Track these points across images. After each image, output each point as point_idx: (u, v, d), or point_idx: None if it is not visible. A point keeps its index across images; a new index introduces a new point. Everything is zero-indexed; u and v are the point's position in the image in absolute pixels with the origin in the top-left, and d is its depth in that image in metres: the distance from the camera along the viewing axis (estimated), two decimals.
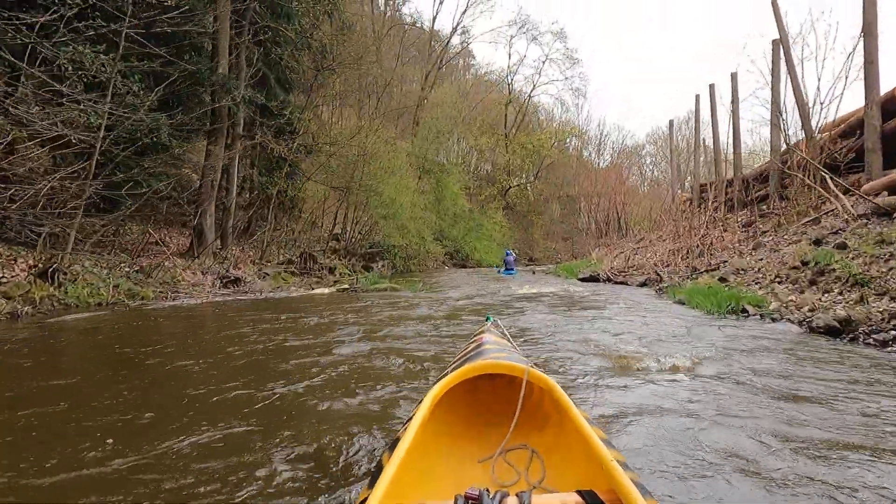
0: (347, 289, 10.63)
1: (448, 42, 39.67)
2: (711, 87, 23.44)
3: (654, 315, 7.17)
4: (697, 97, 22.95)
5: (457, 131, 35.60)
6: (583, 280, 15.89)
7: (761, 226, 13.03)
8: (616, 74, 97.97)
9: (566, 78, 44.29)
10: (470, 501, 1.25)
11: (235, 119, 15.00)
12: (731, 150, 18.21)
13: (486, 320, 3.32)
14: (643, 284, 13.29)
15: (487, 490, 1.27)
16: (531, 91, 44.23)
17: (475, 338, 2.77)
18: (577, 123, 44.36)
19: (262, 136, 14.94)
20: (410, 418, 1.77)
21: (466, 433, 2.15)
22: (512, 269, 22.46)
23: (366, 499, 1.25)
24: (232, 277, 10.89)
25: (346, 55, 20.40)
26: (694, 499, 1.93)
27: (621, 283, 14.09)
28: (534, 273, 23.34)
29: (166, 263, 10.32)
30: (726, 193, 18.56)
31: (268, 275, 13.23)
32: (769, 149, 16.90)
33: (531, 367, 1.96)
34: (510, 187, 42.45)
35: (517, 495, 1.28)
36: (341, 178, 18.93)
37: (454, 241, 32.77)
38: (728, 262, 10.07)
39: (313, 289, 11.19)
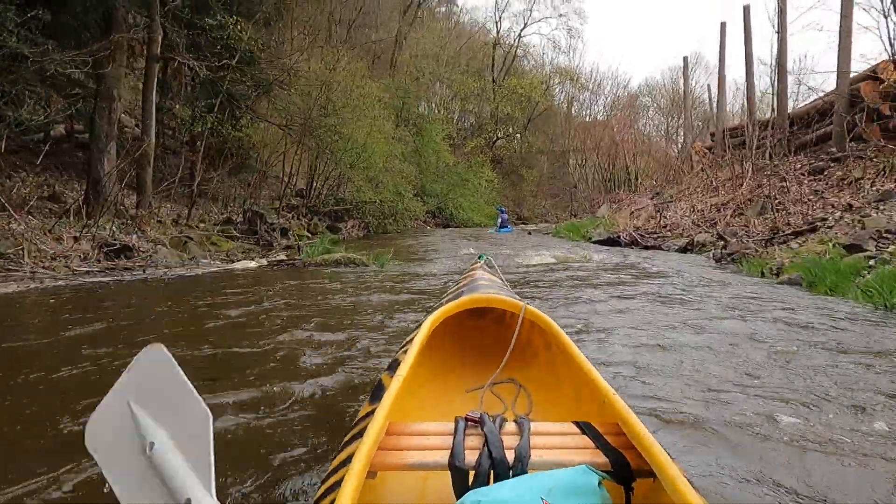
0: (284, 262, 7.44)
1: None
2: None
3: (783, 312, 4.20)
4: (723, 25, 19.63)
5: (439, 76, 31.75)
6: (599, 243, 12.89)
7: (839, 172, 10.05)
8: (614, 18, 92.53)
9: (560, 15, 40.05)
10: (470, 423, 1.29)
11: (152, 33, 11.42)
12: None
13: (479, 258, 3.29)
14: (685, 249, 10.38)
15: (487, 414, 1.31)
16: (521, 30, 40.02)
17: (468, 273, 2.85)
18: (571, 68, 40.53)
19: (178, 52, 11.33)
20: (408, 342, 1.84)
21: (456, 364, 2.22)
22: (507, 227, 21.74)
23: (370, 412, 1.33)
24: (118, 245, 7.62)
25: None
26: None
27: (652, 247, 11.12)
28: (530, 234, 20.32)
29: (12, 225, 7.02)
30: (762, 138, 15.59)
31: (189, 240, 9.96)
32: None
33: (528, 304, 1.98)
34: (498, 138, 38.83)
35: (516, 421, 1.33)
36: (298, 118, 15.42)
37: (437, 197, 29.46)
38: (835, 220, 7.08)
39: (235, 261, 7.94)
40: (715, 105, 33.96)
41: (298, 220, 16.56)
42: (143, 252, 7.83)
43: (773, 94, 14.85)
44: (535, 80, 37.20)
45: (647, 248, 11.23)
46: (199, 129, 12.32)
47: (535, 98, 37.54)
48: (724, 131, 19.31)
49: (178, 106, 12.97)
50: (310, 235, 15.36)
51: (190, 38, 12.90)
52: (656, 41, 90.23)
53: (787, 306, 4.44)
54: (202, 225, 12.67)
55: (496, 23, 39.59)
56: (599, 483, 1.07)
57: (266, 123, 14.58)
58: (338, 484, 1.04)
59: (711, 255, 9.07)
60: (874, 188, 7.73)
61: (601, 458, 1.22)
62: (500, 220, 22.04)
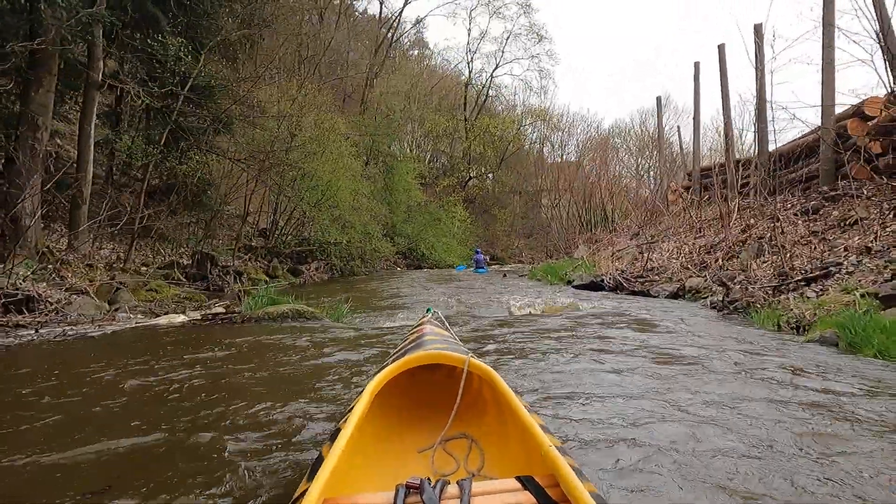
0: (220, 316, 6.26)
1: (401, 13, 35.25)
2: (696, 64, 20.26)
3: (836, 384, 3.25)
4: (697, 64, 19.56)
5: (410, 114, 31.29)
6: (581, 287, 12.00)
7: (835, 212, 9.43)
8: (589, 60, 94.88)
9: (532, 56, 40.39)
10: (411, 490, 1.27)
11: (92, 59, 10.41)
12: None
13: (427, 312, 3.29)
14: (676, 295, 9.55)
15: (428, 479, 1.30)
16: (493, 70, 40.16)
17: (416, 329, 2.84)
18: (544, 107, 40.71)
19: (122, 79, 10.30)
20: (350, 409, 1.77)
21: (406, 424, 2.18)
22: (483, 268, 22.47)
23: (305, 491, 1.25)
24: (19, 296, 6.35)
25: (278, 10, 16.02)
26: None
27: (640, 293, 10.26)
28: (504, 276, 19.41)
29: None
30: (746, 177, 15.17)
31: (121, 287, 8.70)
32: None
33: (471, 356, 1.98)
34: (471, 177, 38.39)
35: (458, 483, 1.32)
36: (258, 153, 14.40)
37: (408, 238, 28.50)
38: (852, 265, 6.29)
39: (165, 314, 6.68)
40: (689, 144, 34.20)
41: (257, 262, 15.35)
42: (53, 304, 6.58)
43: (754, 132, 14.48)
44: (508, 120, 37.13)
45: (633, 293, 10.35)
46: (138, 163, 11.14)
47: (507, 138, 37.43)
48: (700, 171, 19.00)
49: (123, 138, 11.81)
50: (268, 279, 14.16)
51: (136, 63, 11.92)
52: (625, 83, 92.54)
53: (839, 378, 3.50)
54: (144, 269, 11.39)
55: (468, 63, 39.80)
56: None
57: (221, 158, 13.46)
58: None
59: (709, 303, 8.23)
60: (889, 230, 7.01)
61: None
62: (475, 260, 23.13)
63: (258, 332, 5.66)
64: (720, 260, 10.17)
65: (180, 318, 6.21)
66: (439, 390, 2.26)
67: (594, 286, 11.69)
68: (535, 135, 40.72)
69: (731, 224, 11.79)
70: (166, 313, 6.76)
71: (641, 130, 43.09)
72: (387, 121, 25.93)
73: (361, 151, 26.01)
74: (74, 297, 6.92)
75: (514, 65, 56.45)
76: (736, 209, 12.36)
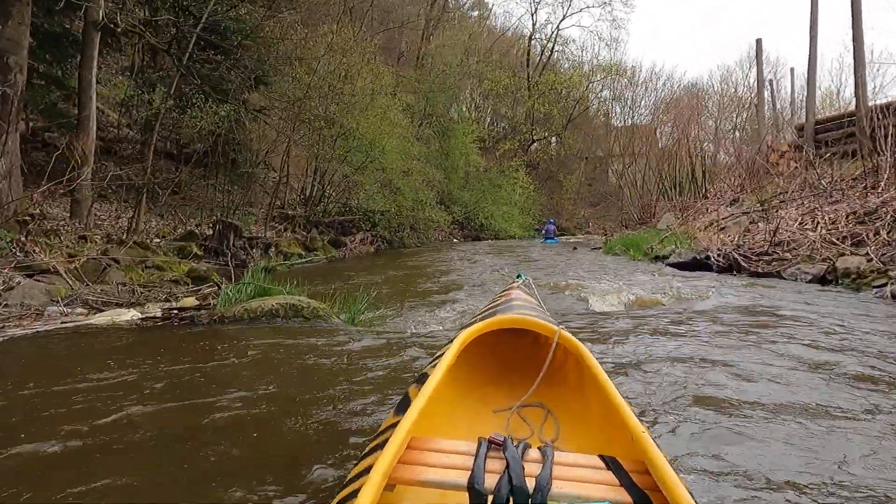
0: (179, 316, 4.37)
1: None
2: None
3: None
4: None
5: (468, 70, 28.66)
6: (678, 266, 9.61)
7: None
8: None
9: (604, 3, 36.31)
10: (493, 445, 1.28)
11: None
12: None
13: (518, 277, 3.23)
14: (824, 279, 7.10)
15: (511, 438, 1.30)
16: (560, 22, 36.54)
17: (504, 292, 2.84)
18: (616, 62, 36.85)
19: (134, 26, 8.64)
20: (437, 359, 1.85)
21: (485, 383, 2.21)
22: (553, 239, 21.78)
23: (393, 424, 1.32)
24: None
25: None
26: None
27: (767, 273, 7.82)
28: (575, 249, 17.04)
29: None
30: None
31: (113, 264, 7.13)
32: None
33: (563, 328, 1.97)
34: (534, 140, 35.47)
35: (540, 449, 1.32)
36: (292, 105, 12.58)
37: (465, 206, 26.35)
38: None
39: (108, 310, 4.85)
40: (786, 99, 30.02)
41: (294, 232, 13.71)
42: (18, 285, 4.99)
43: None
44: (576, 76, 33.82)
45: (756, 274, 7.91)
46: (144, 116, 9.54)
47: (574, 96, 34.27)
48: (815, 124, 15.79)
49: (120, 85, 10.28)
50: (304, 252, 12.48)
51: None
52: (705, 30, 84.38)
53: None
54: (157, 241, 9.89)
55: (532, 14, 36.38)
56: None
57: (246, 111, 11.71)
58: (354, 494, 1.03)
59: (888, 293, 5.78)
60: None
61: (625, 497, 1.19)
62: (545, 231, 22.41)
63: (226, 340, 3.80)
64: (882, 231, 7.54)
65: (127, 316, 4.43)
66: (521, 356, 2.29)
67: (698, 265, 9.28)
68: (605, 92, 37.09)
69: (886, 185, 9.02)
70: (121, 305, 5.00)
71: (722, 89, 38.84)
72: (442, 76, 23.57)
73: (415, 113, 23.93)
74: (21, 280, 5.29)
75: (583, 14, 51.68)
76: (890, 167, 9.53)
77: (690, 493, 1.09)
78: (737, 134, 31.58)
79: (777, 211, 11.13)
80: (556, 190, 38.40)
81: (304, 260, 11.57)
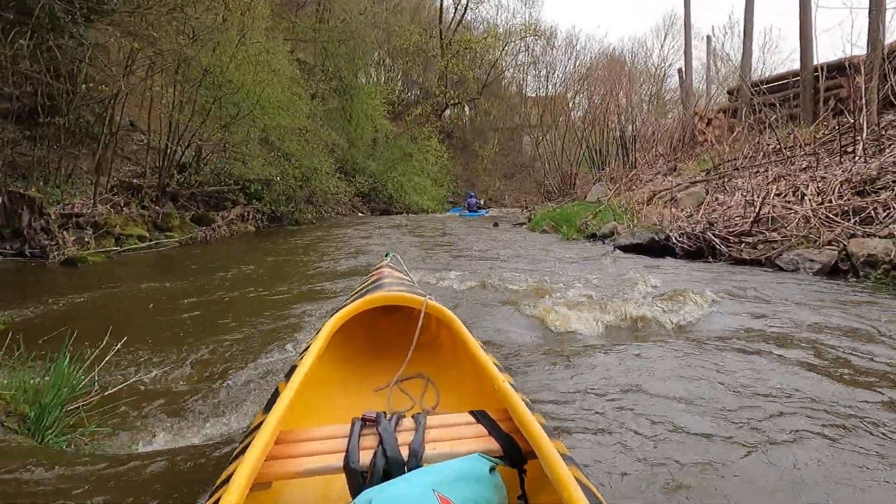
0: None
1: None
2: None
3: None
4: None
5: (375, 22, 25.51)
6: (631, 250, 7.72)
7: None
8: None
9: None
10: (367, 423, 1.31)
11: None
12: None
13: (386, 256, 3.22)
14: (834, 270, 5.35)
15: (384, 413, 1.34)
16: None
17: (374, 272, 2.81)
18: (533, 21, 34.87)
19: None
20: (307, 347, 1.80)
21: (363, 364, 2.22)
22: (476, 212, 21.12)
23: (261, 423, 1.27)
24: None
25: None
26: None
27: (754, 261, 6.03)
28: (496, 225, 15.01)
29: None
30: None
31: None
32: None
33: (429, 298, 2.03)
34: (447, 105, 32.99)
35: (413, 417, 1.36)
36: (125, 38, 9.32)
37: (372, 177, 23.62)
38: None
39: None
40: (708, 63, 29.45)
41: (143, 208, 10.56)
42: None
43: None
44: (491, 37, 31.55)
45: (741, 261, 6.10)
46: None
47: (490, 60, 32.09)
48: (758, 84, 14.55)
49: None
50: (146, 234, 9.49)
51: None
52: (618, 9, 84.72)
53: None
54: None
55: None
56: (492, 469, 1.14)
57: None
58: (217, 501, 1.01)
59: None
60: None
61: (494, 445, 1.26)
62: (468, 203, 21.67)
63: None
64: (891, 203, 5.91)
65: None
66: (397, 332, 2.29)
67: (656, 247, 7.39)
68: (521, 55, 35.07)
69: (866, 148, 7.54)
70: None
71: (634, 59, 38.40)
72: (342, 25, 20.46)
73: (312, 68, 20.70)
74: None
75: None
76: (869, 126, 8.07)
77: (546, 430, 1.17)
78: (645, 106, 30.79)
79: (731, 181, 9.54)
80: (472, 161, 36.46)
81: (135, 246, 8.61)
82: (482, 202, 24.07)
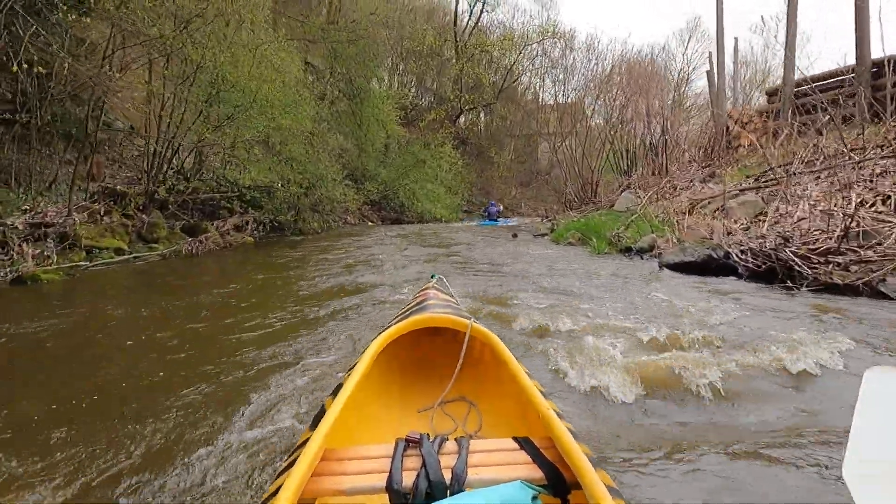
0: None
1: None
2: None
3: None
4: None
5: (387, 21, 24.61)
6: (682, 269, 6.54)
7: None
8: None
9: None
10: (410, 444, 1.33)
11: None
12: None
13: (432, 277, 3.22)
14: None
15: (427, 434, 1.37)
16: None
17: (419, 293, 2.81)
18: (551, 23, 33.62)
19: None
20: (353, 367, 1.80)
21: (407, 384, 2.22)
22: (496, 220, 20.66)
23: (307, 440, 1.31)
24: None
25: None
26: None
27: (850, 287, 4.81)
28: (515, 236, 13.86)
29: None
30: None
31: None
32: None
33: (474, 321, 2.02)
34: (462, 110, 31.91)
35: (456, 440, 1.37)
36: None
37: (383, 184, 22.61)
38: None
39: None
40: (735, 67, 28.22)
41: (126, 217, 9.57)
42: None
43: None
44: (507, 38, 30.50)
45: (833, 288, 4.88)
46: None
47: (507, 63, 31.04)
48: (802, 82, 13.30)
49: None
50: (124, 247, 8.50)
51: None
52: (636, 13, 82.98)
53: None
54: None
55: None
56: (535, 498, 1.13)
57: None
58: None
59: None
60: None
61: (538, 473, 1.25)
62: (488, 212, 21.29)
63: None
64: None
65: None
66: (440, 353, 2.29)
67: (713, 267, 6.21)
68: (538, 60, 33.94)
69: None
70: None
71: (660, 62, 37.03)
72: (352, 25, 19.51)
73: (320, 70, 19.80)
74: None
75: None
76: None
77: (591, 461, 1.17)
78: (667, 112, 29.39)
79: (789, 188, 8.31)
80: (487, 168, 35.39)
81: (107, 261, 7.59)
82: (500, 209, 23.38)
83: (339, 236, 13.78)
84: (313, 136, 13.74)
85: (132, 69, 9.42)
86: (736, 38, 28.96)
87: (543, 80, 38.50)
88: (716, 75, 21.33)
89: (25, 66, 6.85)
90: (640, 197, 13.20)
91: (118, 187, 10.00)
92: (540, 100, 39.77)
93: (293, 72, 12.33)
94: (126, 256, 7.98)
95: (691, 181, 12.15)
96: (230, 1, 9.54)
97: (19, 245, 6.82)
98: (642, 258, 8.27)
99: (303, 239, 12.71)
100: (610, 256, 8.89)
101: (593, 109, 28.18)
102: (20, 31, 7.30)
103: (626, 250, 9.29)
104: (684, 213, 9.67)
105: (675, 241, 7.87)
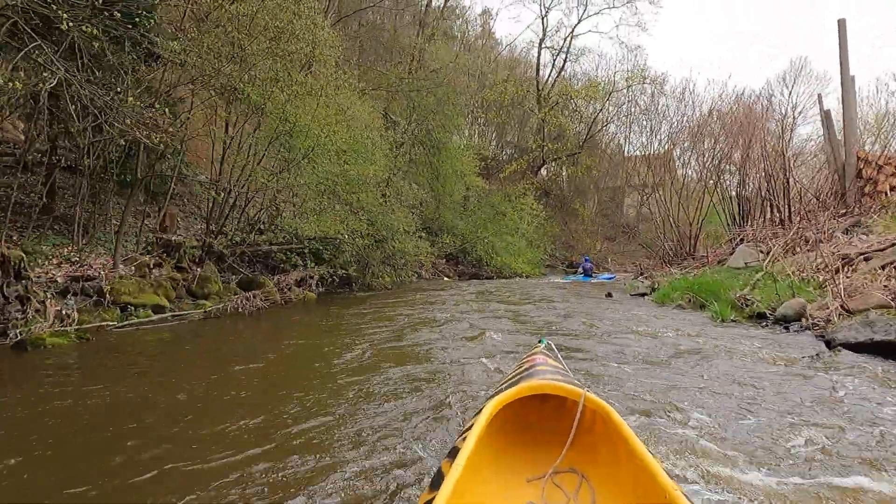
0: None
1: None
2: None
3: None
4: None
5: (468, 71, 24.13)
6: (859, 349, 4.65)
7: None
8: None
9: (627, 2, 31.46)
10: None
11: None
12: None
13: (539, 342, 3.13)
14: None
15: None
16: (575, 26, 31.80)
17: (527, 358, 2.77)
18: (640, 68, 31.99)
19: None
20: (469, 427, 1.87)
21: (515, 451, 2.18)
22: (589, 276, 19.98)
23: (430, 500, 1.38)
24: None
25: None
26: None
27: None
28: (609, 295, 12.06)
29: None
30: None
31: None
32: None
33: (587, 391, 1.97)
34: (544, 161, 30.44)
35: None
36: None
37: (461, 237, 21.47)
38: None
39: None
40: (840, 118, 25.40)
41: (179, 270, 8.82)
42: None
43: None
44: (593, 85, 29.23)
45: None
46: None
47: (592, 111, 29.67)
48: None
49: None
50: (168, 304, 7.65)
51: None
52: (732, 50, 78.69)
53: None
54: None
55: (542, 16, 31.81)
56: None
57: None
58: None
59: None
60: None
61: None
62: (584, 268, 20.54)
63: None
64: None
65: None
66: (547, 420, 2.24)
67: None
68: (626, 107, 32.32)
69: None
70: None
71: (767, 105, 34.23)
72: (431, 75, 18.98)
73: (397, 120, 19.30)
74: None
75: (601, 17, 47.24)
76: None
77: None
78: (787, 152, 26.52)
79: None
80: (570, 220, 33.66)
81: (137, 320, 6.67)
82: (592, 266, 22.16)
83: (409, 292, 12.57)
84: (387, 186, 12.84)
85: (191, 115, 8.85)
86: (853, 76, 26.17)
87: (630, 127, 36.87)
88: (841, 111, 18.90)
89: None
90: (761, 251, 11.11)
91: (174, 238, 9.36)
92: (625, 151, 38.10)
93: (364, 116, 11.56)
94: (164, 315, 7.07)
95: (830, 232, 9.99)
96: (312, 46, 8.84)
97: (44, 301, 6.03)
98: (787, 329, 6.38)
99: (371, 295, 11.60)
100: (741, 326, 7.01)
101: (689, 155, 26.00)
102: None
103: (759, 317, 7.39)
104: (835, 271, 7.65)
105: (837, 307, 5.95)
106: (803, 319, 6.36)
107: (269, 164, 9.82)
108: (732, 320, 7.42)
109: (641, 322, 7.38)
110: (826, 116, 19.99)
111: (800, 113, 33.98)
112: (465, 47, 25.25)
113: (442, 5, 27.82)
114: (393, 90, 18.30)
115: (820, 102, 20.22)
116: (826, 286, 7.18)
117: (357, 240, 11.21)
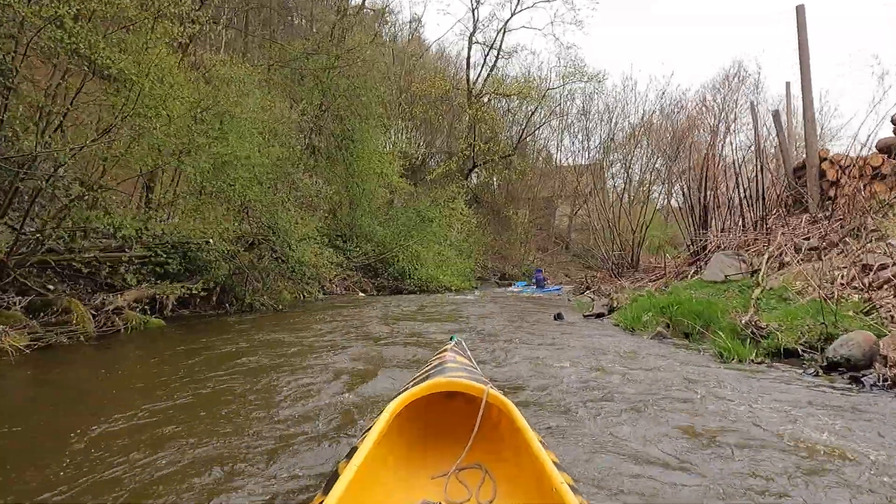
0: None
1: None
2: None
3: None
4: None
5: (388, 70, 21.53)
6: None
7: None
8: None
9: None
10: None
11: None
12: None
13: (451, 339, 3.15)
14: None
15: (448, 502, 1.41)
16: (508, 20, 29.60)
17: (437, 356, 2.75)
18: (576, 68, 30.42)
19: None
20: (368, 429, 1.80)
21: (420, 449, 2.16)
22: (554, 286, 20.52)
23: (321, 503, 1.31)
24: None
25: None
26: None
27: None
28: (558, 317, 9.69)
29: None
30: None
31: None
32: None
33: (491, 387, 1.96)
34: (477, 163, 28.18)
35: None
36: None
37: (381, 245, 18.68)
38: None
39: None
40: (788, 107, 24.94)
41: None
42: None
43: None
44: (528, 82, 27.34)
45: None
46: None
47: (526, 111, 27.80)
48: None
49: None
50: None
51: None
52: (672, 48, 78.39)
53: None
54: None
55: (473, 9, 29.61)
56: None
57: None
58: None
59: None
60: None
61: None
62: (537, 280, 20.02)
63: None
64: None
65: None
66: (456, 418, 2.21)
67: None
68: (559, 108, 30.75)
69: None
70: None
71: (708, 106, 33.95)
72: (347, 55, 16.21)
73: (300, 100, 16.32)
74: None
75: (535, 11, 46.08)
76: None
77: None
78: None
79: None
80: (503, 230, 31.69)
81: None
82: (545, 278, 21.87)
83: (308, 312, 9.72)
84: (260, 168, 9.75)
85: None
86: (788, 83, 25.79)
87: (563, 132, 35.64)
88: (783, 121, 17.72)
89: None
90: (743, 261, 9.10)
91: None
92: (558, 159, 36.98)
93: (243, 80, 8.65)
94: None
95: (842, 238, 8.08)
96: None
97: None
98: (859, 382, 4.12)
99: (251, 319, 8.64)
100: (774, 372, 4.72)
101: (631, 159, 24.68)
102: None
103: (785, 354, 5.18)
104: (870, 289, 5.57)
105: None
106: (880, 366, 4.15)
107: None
108: (753, 361, 5.14)
109: (617, 362, 4.95)
110: (775, 118, 18.70)
111: (735, 118, 33.89)
112: (394, 55, 22.70)
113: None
114: (298, 68, 15.40)
115: (753, 112, 19.15)
116: (879, 310, 5.05)
117: (219, 244, 8.21)
